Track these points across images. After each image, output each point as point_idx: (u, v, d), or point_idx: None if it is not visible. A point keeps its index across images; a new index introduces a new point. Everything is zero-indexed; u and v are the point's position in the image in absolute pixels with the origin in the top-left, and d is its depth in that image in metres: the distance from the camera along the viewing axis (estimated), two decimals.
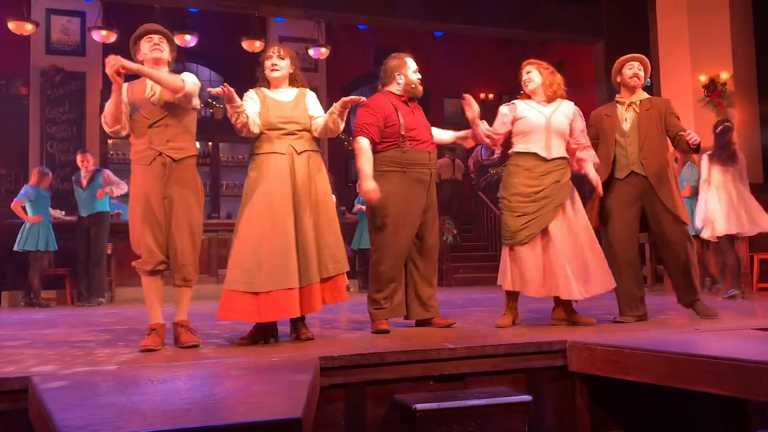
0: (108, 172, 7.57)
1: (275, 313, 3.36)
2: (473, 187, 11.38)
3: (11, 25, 8.72)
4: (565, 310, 3.91)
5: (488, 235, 10.85)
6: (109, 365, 2.76)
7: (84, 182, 7.42)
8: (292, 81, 3.68)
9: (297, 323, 3.56)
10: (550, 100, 3.94)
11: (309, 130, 3.60)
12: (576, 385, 3.15)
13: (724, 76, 7.48)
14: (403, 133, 3.77)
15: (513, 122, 3.92)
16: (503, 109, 4.00)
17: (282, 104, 3.57)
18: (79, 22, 9.90)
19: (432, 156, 3.89)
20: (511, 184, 3.84)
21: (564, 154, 3.88)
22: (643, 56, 4.15)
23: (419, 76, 3.94)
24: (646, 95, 4.14)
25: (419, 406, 2.70)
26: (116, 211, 8.17)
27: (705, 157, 6.21)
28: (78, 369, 2.67)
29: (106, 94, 10.09)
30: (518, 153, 3.87)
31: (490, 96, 13.84)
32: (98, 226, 7.36)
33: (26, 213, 7.21)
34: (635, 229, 4.05)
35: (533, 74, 3.99)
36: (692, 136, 3.85)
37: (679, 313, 4.40)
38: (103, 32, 9.13)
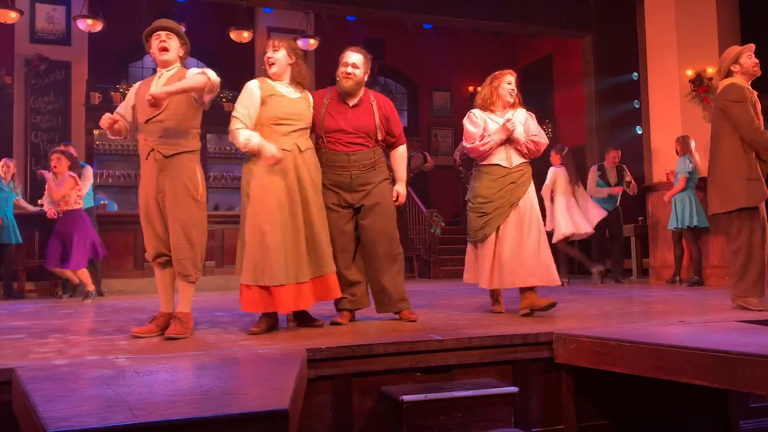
0: (89, 169, 7.37)
1: (291, 305, 3.47)
2: (461, 180, 11.39)
3: None
4: (527, 297, 4.01)
5: None
6: (94, 357, 2.74)
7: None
8: (295, 76, 3.66)
9: (304, 314, 3.67)
10: (505, 108, 4.18)
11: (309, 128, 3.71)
12: (562, 376, 3.18)
13: (711, 70, 7.51)
14: (321, 134, 3.79)
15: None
16: (476, 119, 4.16)
17: (289, 99, 3.59)
18: (65, 10, 9.76)
19: (353, 158, 3.77)
20: (474, 187, 4.19)
21: (523, 159, 4.15)
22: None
23: (347, 69, 3.79)
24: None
25: (406, 398, 2.70)
26: (102, 202, 8.07)
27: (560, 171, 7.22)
28: (62, 361, 2.65)
29: (91, 83, 10.00)
30: (482, 164, 4.17)
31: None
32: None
33: None
34: None
35: (513, 85, 4.19)
36: None
37: (665, 305, 4.43)
38: (89, 21, 9.00)
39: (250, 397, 2.03)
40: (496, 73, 4.26)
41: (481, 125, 4.13)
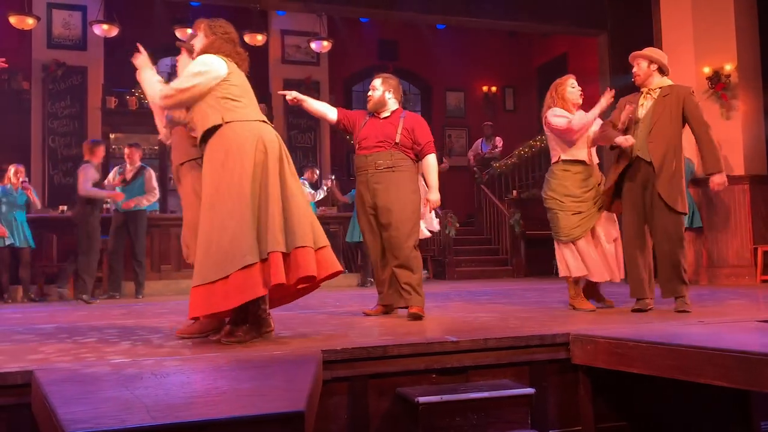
0: (151, 173, 7.55)
1: None
2: (476, 180, 11.35)
3: (12, 20, 8.70)
4: (595, 293, 4.50)
5: (490, 229, 10.83)
6: (111, 359, 2.76)
7: (128, 177, 7.42)
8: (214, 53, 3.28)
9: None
10: (575, 111, 4.43)
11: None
12: (579, 377, 3.15)
13: (728, 67, 7.42)
14: (356, 143, 4.32)
15: None
16: (559, 112, 4.34)
17: None
18: (81, 16, 9.88)
19: (369, 159, 4.18)
20: (562, 186, 4.32)
21: (597, 159, 4.45)
22: (636, 52, 4.25)
23: (369, 93, 4.36)
24: (667, 83, 4.22)
25: (422, 399, 2.69)
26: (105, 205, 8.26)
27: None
28: (81, 363, 2.67)
29: (107, 88, 10.11)
30: (566, 161, 4.34)
31: (493, 89, 13.80)
32: (137, 223, 7.38)
33: None
34: (641, 216, 4.17)
35: (578, 87, 4.45)
36: (716, 182, 4.08)
37: None
38: (105, 26, 9.11)
39: (266, 398, 2.04)
40: (557, 80, 4.51)
41: (566, 116, 4.32)
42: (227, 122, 3.14)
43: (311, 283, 3.24)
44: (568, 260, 4.34)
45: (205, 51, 3.28)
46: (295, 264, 3.03)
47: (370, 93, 4.35)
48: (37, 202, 7.48)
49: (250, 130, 3.14)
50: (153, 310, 5.48)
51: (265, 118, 3.31)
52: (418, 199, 4.20)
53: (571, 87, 4.43)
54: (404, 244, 4.08)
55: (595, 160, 4.42)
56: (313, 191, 8.53)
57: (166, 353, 2.93)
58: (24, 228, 7.24)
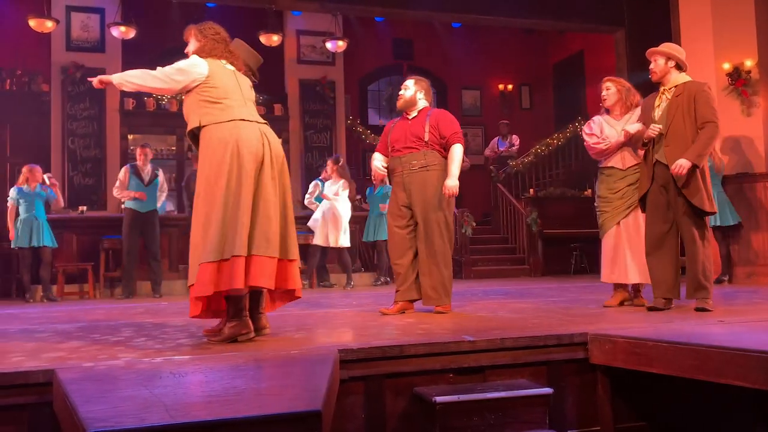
0: (161, 173, 7.80)
1: None
2: (492, 179, 11.31)
3: (32, 23, 8.81)
4: (634, 293, 4.53)
5: (507, 227, 10.79)
6: (131, 358, 2.79)
7: (146, 179, 7.54)
8: (209, 54, 3.36)
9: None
10: (623, 114, 4.48)
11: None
12: (597, 377, 3.13)
13: (749, 63, 7.31)
14: (389, 146, 4.46)
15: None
16: (593, 124, 4.54)
17: None
18: (99, 18, 9.97)
19: (404, 160, 4.33)
20: (599, 189, 4.56)
21: (637, 161, 4.36)
22: (653, 49, 4.18)
23: (401, 92, 4.48)
24: (683, 80, 4.12)
25: (439, 399, 2.69)
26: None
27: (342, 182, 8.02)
28: (101, 362, 2.70)
29: (124, 91, 10.18)
30: (601, 167, 4.53)
31: (509, 87, 13.74)
32: (153, 223, 7.51)
33: (18, 213, 7.29)
34: (662, 218, 4.10)
35: (611, 90, 4.50)
36: (678, 164, 3.90)
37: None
38: (122, 28, 9.19)
39: (282, 398, 2.04)
40: None
41: (595, 130, 4.50)
42: (203, 126, 3.19)
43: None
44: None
45: (197, 54, 3.35)
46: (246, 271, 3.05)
47: (401, 92, 4.46)
48: (60, 200, 7.60)
49: (223, 133, 3.15)
50: (171, 309, 5.52)
51: (251, 116, 3.26)
52: (452, 199, 4.34)
53: (602, 94, 4.55)
54: (439, 242, 4.24)
55: (631, 162, 4.40)
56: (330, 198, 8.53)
57: (185, 352, 2.95)
58: (45, 228, 7.33)
